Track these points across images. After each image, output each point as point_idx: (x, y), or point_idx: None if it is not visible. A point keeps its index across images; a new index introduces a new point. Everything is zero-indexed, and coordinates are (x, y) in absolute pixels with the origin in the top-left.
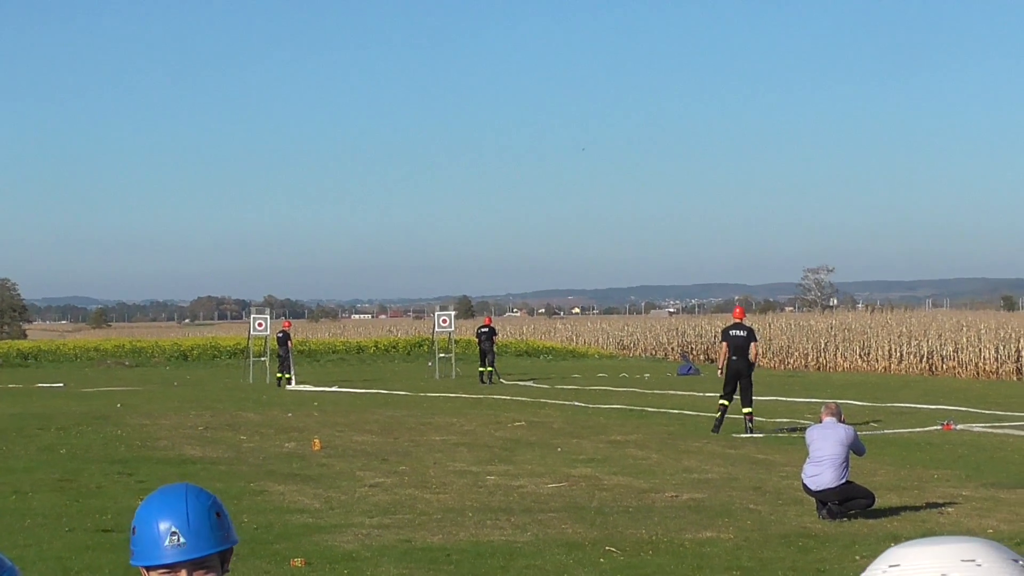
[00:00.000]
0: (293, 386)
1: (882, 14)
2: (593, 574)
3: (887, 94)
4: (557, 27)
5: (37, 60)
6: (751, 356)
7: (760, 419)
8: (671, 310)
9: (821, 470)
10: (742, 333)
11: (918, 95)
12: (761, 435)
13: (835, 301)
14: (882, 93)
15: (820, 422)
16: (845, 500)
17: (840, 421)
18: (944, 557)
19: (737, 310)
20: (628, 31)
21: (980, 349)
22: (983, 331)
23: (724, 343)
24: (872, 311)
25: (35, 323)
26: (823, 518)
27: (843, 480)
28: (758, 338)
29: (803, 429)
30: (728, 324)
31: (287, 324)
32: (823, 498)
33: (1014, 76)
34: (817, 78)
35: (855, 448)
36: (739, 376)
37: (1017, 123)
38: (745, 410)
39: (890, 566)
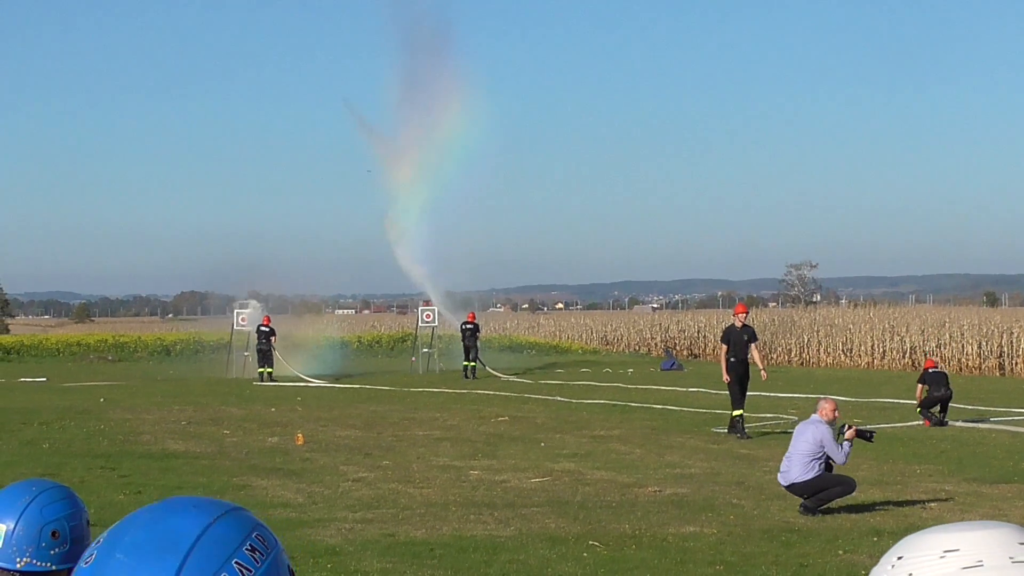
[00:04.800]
0: (272, 381)
1: (863, 12)
2: (576, 568)
3: (871, 91)
4: (541, 19)
5: (14, 52)
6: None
7: (743, 414)
8: (654, 306)
9: (789, 466)
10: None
11: (902, 92)
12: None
13: (818, 297)
14: (866, 90)
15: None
16: (818, 492)
17: (828, 420)
18: (930, 547)
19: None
20: (612, 25)
21: (963, 345)
22: (966, 327)
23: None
24: (855, 307)
25: (18, 318)
26: (802, 513)
27: (809, 476)
28: (723, 335)
29: (786, 424)
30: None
31: (267, 320)
32: (792, 493)
33: (996, 74)
34: (801, 75)
35: (829, 452)
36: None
37: (1000, 121)
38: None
39: (898, 558)
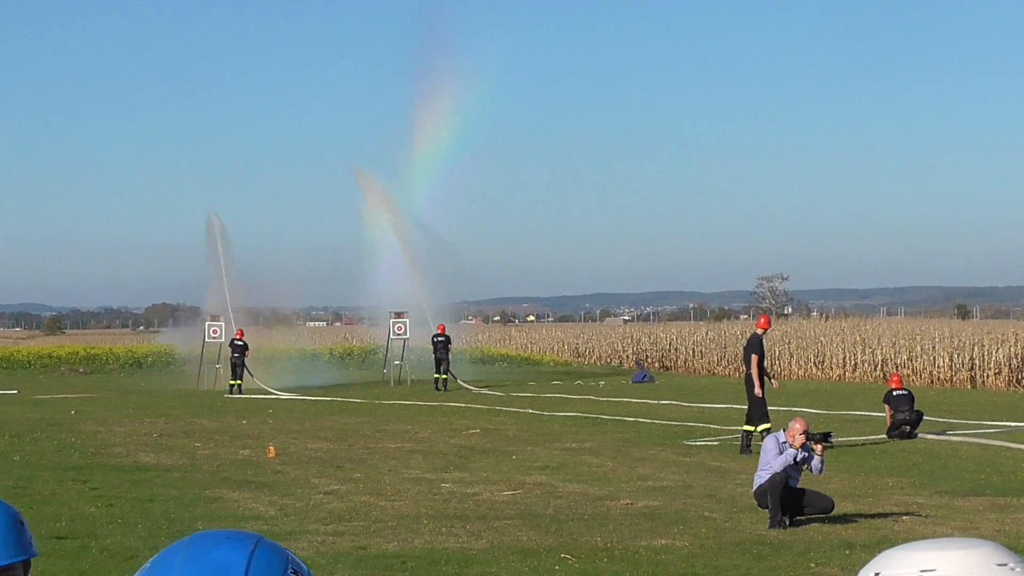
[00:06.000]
0: (241, 394)
1: (833, 24)
2: None
3: (842, 103)
4: (519, 28)
5: None
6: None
7: (715, 427)
8: (626, 318)
9: None
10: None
11: (873, 104)
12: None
13: (789, 309)
14: (837, 102)
15: None
16: (762, 504)
17: (791, 438)
18: (908, 564)
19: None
20: (577, 35)
21: (934, 357)
22: (937, 339)
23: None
24: (826, 319)
25: None
26: (770, 528)
27: (755, 486)
28: (751, 345)
29: (757, 437)
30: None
31: (240, 333)
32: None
33: (968, 87)
34: (772, 87)
35: (772, 462)
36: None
37: (972, 133)
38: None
39: (875, 573)
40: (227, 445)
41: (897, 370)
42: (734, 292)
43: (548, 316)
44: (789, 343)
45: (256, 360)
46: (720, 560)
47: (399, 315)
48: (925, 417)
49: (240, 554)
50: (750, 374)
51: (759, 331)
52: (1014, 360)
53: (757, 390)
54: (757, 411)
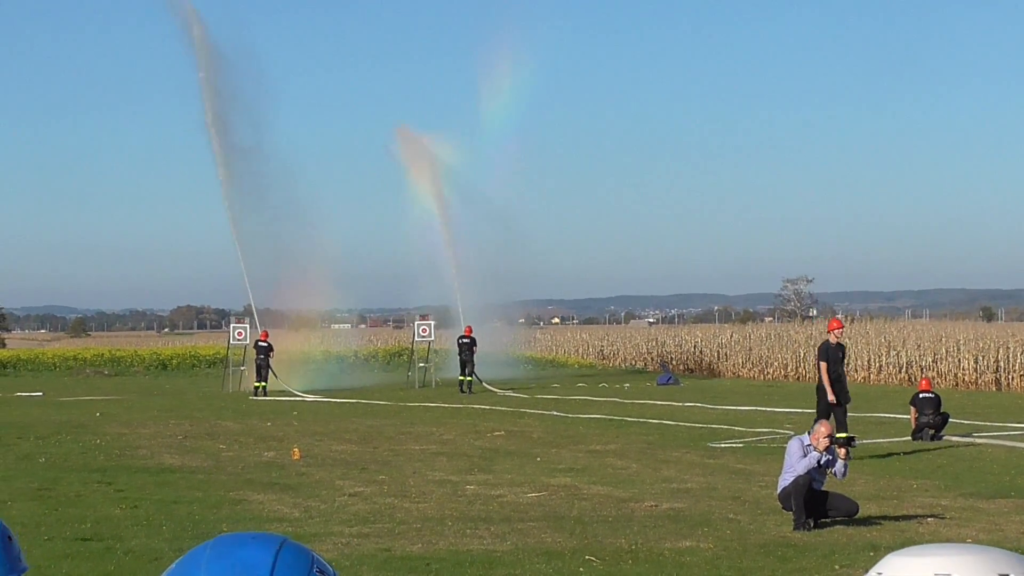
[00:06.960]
0: (266, 395)
1: (858, 26)
2: None
3: (866, 105)
4: (542, 30)
5: (9, 61)
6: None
7: (740, 429)
8: (651, 320)
9: None
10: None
11: (897, 106)
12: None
13: (814, 311)
14: (861, 104)
15: None
16: (787, 507)
17: (816, 441)
18: (921, 569)
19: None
20: (607, 35)
21: (959, 360)
22: (962, 342)
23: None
24: (851, 321)
25: (14, 332)
26: (794, 529)
27: (779, 488)
28: (819, 352)
29: (783, 439)
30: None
31: (264, 335)
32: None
33: (992, 88)
34: (796, 89)
35: (795, 465)
36: None
37: (997, 135)
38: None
39: (877, 573)
40: (252, 447)
41: (923, 373)
42: (759, 295)
43: (573, 318)
44: (814, 346)
45: (281, 362)
46: (744, 562)
47: (424, 317)
48: (951, 420)
49: (266, 554)
50: (841, 379)
51: (828, 335)
52: None
53: (831, 398)
54: (839, 420)
